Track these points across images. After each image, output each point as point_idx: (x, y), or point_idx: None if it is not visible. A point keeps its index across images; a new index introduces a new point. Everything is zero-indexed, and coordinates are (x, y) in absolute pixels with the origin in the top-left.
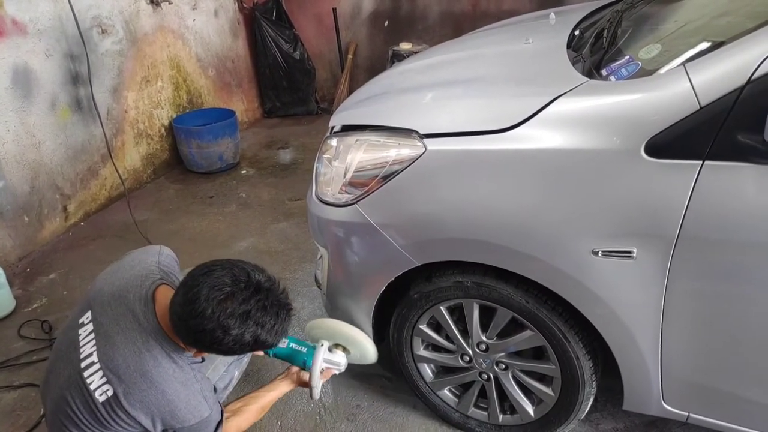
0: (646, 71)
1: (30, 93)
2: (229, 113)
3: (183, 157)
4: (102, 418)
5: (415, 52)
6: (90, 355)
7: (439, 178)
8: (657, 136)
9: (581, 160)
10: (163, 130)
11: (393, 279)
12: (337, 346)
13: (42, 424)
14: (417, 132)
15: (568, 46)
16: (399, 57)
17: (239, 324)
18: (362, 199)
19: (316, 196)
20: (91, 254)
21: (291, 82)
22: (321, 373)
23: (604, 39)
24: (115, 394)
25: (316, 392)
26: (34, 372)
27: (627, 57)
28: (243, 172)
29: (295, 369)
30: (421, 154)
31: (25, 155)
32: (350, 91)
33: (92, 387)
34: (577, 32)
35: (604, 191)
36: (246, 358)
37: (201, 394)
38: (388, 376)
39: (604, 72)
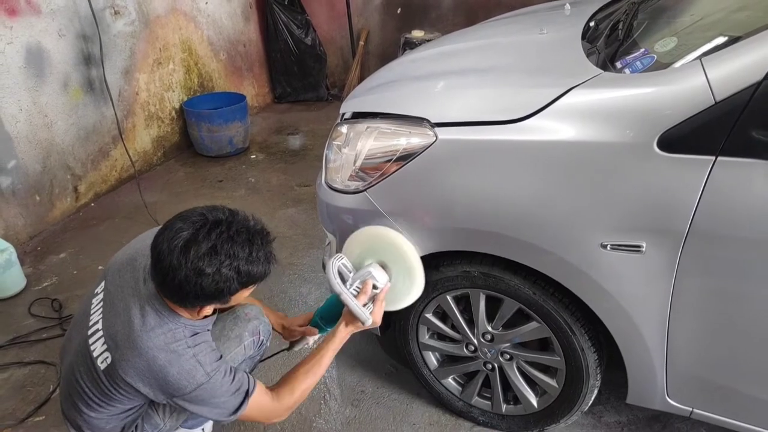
0: (662, 64)
1: (43, 73)
2: (240, 97)
3: (193, 140)
4: (105, 387)
5: (428, 40)
6: (96, 323)
7: (449, 168)
8: (670, 130)
9: (593, 152)
10: (173, 113)
11: None
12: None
13: (52, 400)
14: (428, 121)
15: (583, 38)
16: (411, 45)
17: (210, 261)
18: (372, 186)
19: (326, 182)
20: (101, 235)
21: (302, 67)
22: (358, 295)
23: (620, 31)
24: (113, 362)
25: (366, 318)
26: (44, 349)
27: (642, 50)
28: (252, 156)
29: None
30: (432, 143)
31: (37, 135)
32: (361, 78)
33: (95, 354)
34: (592, 23)
35: (615, 184)
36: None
37: (195, 358)
38: (393, 363)
39: (618, 64)
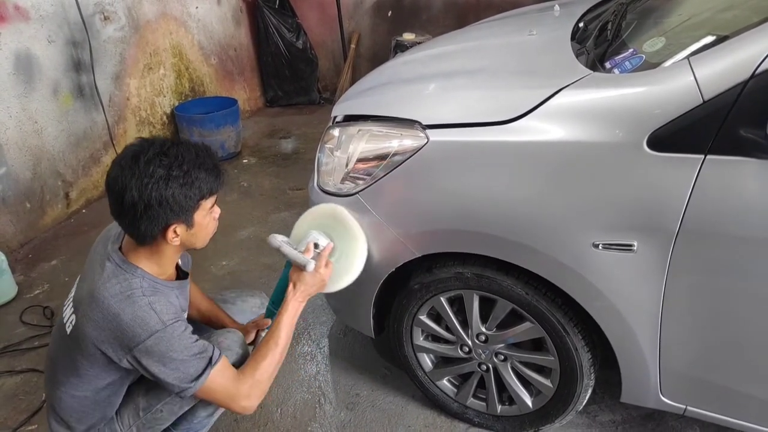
0: (650, 64)
1: (32, 79)
2: (231, 102)
3: None
4: (72, 353)
5: (419, 43)
6: (71, 294)
7: (441, 169)
8: (660, 129)
9: (584, 152)
10: (165, 118)
11: (394, 270)
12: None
13: (44, 409)
14: (419, 123)
15: (572, 39)
16: (402, 47)
17: (160, 163)
18: (364, 189)
19: (318, 185)
20: (92, 241)
21: (293, 71)
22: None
23: (609, 31)
24: (76, 321)
25: (306, 261)
26: (35, 357)
27: (631, 50)
28: (245, 161)
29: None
30: (424, 145)
31: (27, 141)
32: (352, 82)
33: (64, 320)
34: (581, 24)
35: (605, 184)
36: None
37: (150, 306)
38: (387, 366)
39: (607, 65)
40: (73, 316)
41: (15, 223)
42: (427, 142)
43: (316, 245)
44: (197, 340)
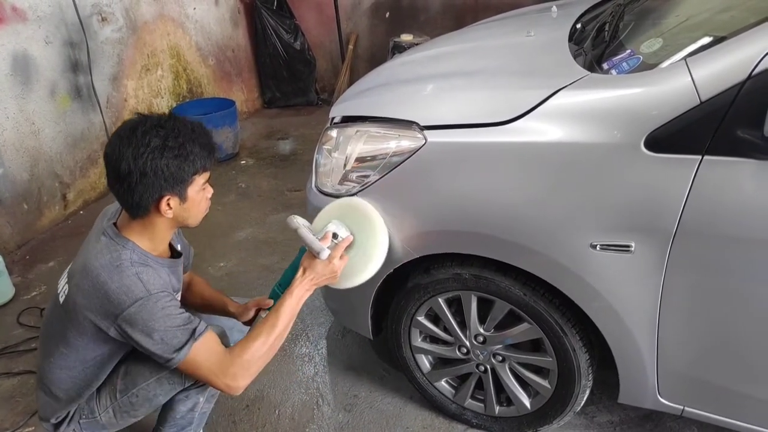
0: (648, 65)
1: (29, 80)
2: (229, 103)
3: None
4: (64, 322)
5: (417, 44)
6: (67, 269)
7: (439, 170)
8: (657, 130)
9: (581, 153)
10: None
11: (392, 270)
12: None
13: None
14: (417, 123)
15: (570, 40)
16: (400, 48)
17: (156, 134)
18: (362, 190)
19: (316, 186)
20: None
21: (291, 72)
22: (322, 239)
23: (606, 32)
24: (69, 291)
25: (320, 248)
26: (32, 359)
27: (628, 51)
28: (242, 162)
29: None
30: (422, 146)
31: (24, 142)
32: (350, 83)
33: (59, 291)
34: (578, 25)
35: (603, 185)
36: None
37: (137, 276)
38: (385, 367)
39: (605, 66)
40: (66, 287)
41: (12, 224)
42: (425, 143)
43: (335, 235)
44: (183, 313)
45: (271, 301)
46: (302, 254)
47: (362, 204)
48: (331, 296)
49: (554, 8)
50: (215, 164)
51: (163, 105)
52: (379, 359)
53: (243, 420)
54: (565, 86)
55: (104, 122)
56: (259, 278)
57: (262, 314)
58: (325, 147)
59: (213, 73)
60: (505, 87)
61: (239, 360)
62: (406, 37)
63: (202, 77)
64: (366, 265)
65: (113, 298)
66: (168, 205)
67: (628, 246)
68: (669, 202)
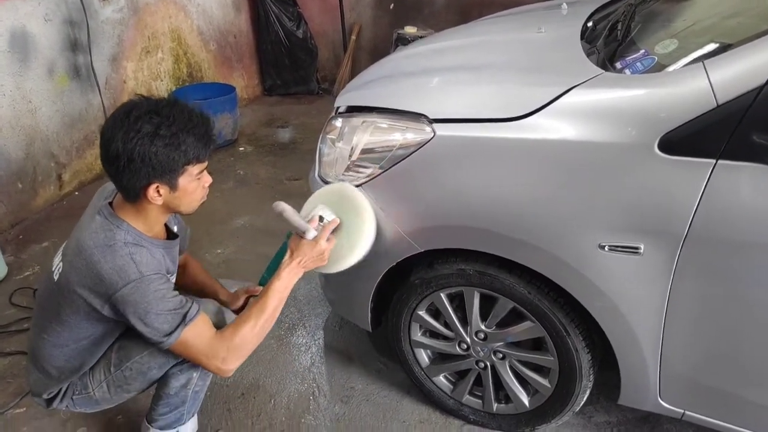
0: (662, 66)
1: (27, 57)
2: (230, 89)
3: None
4: (57, 300)
5: (421, 37)
6: (62, 246)
7: (446, 165)
8: (672, 132)
9: (593, 152)
10: None
11: (394, 264)
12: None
13: None
14: (426, 116)
15: (582, 37)
16: (403, 41)
17: (149, 120)
18: (367, 182)
19: (319, 176)
20: None
21: (293, 60)
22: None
23: (619, 31)
24: (62, 269)
25: (306, 227)
26: (24, 340)
27: (642, 51)
28: (241, 149)
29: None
30: (430, 139)
31: (20, 121)
32: (352, 73)
33: (53, 268)
34: (590, 24)
35: (614, 185)
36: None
37: (130, 257)
38: (383, 360)
39: (618, 65)
40: (60, 264)
41: (6, 203)
42: (433, 136)
43: (321, 219)
44: (175, 296)
45: (260, 288)
46: (288, 239)
47: (349, 189)
48: (329, 287)
49: (564, 6)
50: (213, 150)
51: (162, 88)
52: (376, 352)
53: (238, 408)
54: (579, 84)
55: (102, 103)
56: (257, 267)
57: (251, 301)
58: (329, 136)
59: (214, 58)
60: (517, 83)
61: (229, 344)
62: (410, 30)
63: (203, 62)
64: (353, 248)
65: (106, 279)
66: (157, 192)
67: (636, 248)
68: (680, 205)
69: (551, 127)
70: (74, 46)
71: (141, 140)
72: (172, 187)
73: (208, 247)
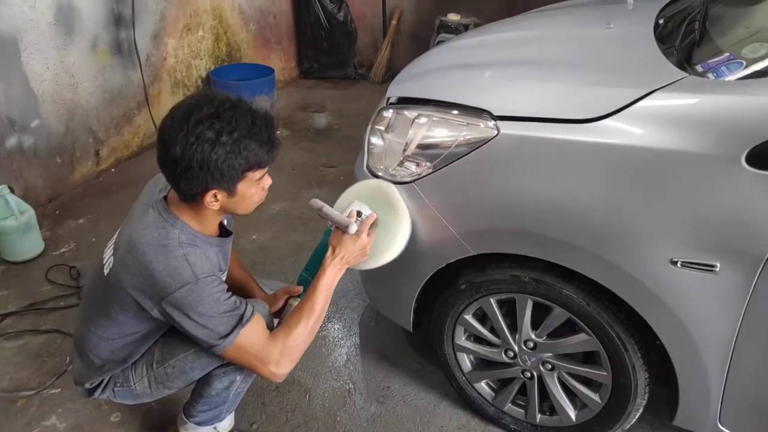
0: (751, 72)
1: (72, 31)
2: (269, 70)
3: None
4: (106, 295)
5: (464, 24)
6: (114, 237)
7: (510, 165)
8: (762, 145)
9: (673, 162)
10: (199, 81)
11: (444, 265)
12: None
13: (68, 373)
14: (489, 113)
15: (654, 35)
16: (446, 28)
17: (210, 125)
18: (421, 178)
19: (368, 168)
20: (120, 203)
21: (331, 43)
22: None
23: (696, 31)
24: (113, 265)
25: (348, 222)
26: (60, 318)
27: (727, 54)
28: (277, 132)
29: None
30: (493, 138)
31: (62, 95)
32: (391, 59)
33: (104, 262)
34: (661, 21)
35: (693, 198)
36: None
37: (184, 258)
38: (419, 360)
39: (699, 67)
40: (111, 259)
41: (45, 177)
42: (497, 134)
43: (359, 214)
44: (230, 297)
45: (300, 288)
46: (327, 236)
47: (384, 185)
48: (371, 284)
49: (630, 0)
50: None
51: (201, 67)
52: (412, 350)
53: (273, 402)
54: (662, 87)
55: (143, 80)
56: (291, 255)
57: (292, 302)
58: (378, 127)
59: (253, 38)
60: (591, 81)
61: (282, 346)
62: (453, 17)
63: (242, 42)
64: (392, 243)
65: (159, 280)
66: (214, 197)
67: (712, 266)
68: (764, 224)
69: (628, 132)
70: (118, 20)
71: (201, 147)
72: (231, 193)
73: (242, 233)
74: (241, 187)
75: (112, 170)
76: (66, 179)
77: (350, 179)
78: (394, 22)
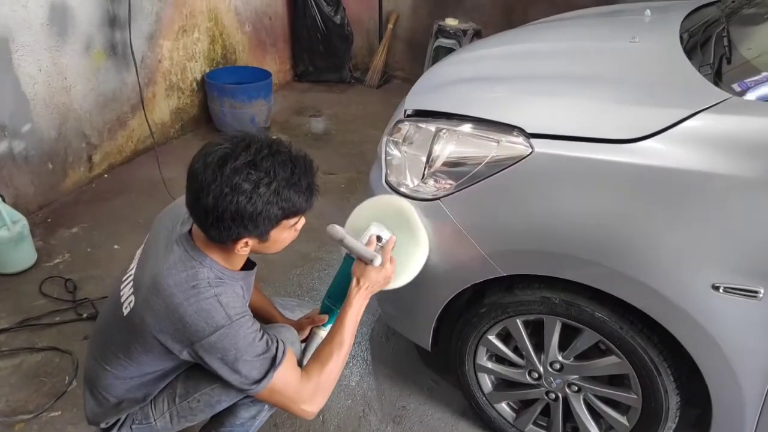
0: None
1: (65, 32)
2: (265, 74)
3: (213, 115)
4: (126, 335)
5: (463, 30)
6: (131, 270)
7: (544, 185)
8: None
9: (716, 185)
10: (194, 84)
11: (469, 286)
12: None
13: (68, 393)
14: (522, 130)
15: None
16: (444, 33)
17: (247, 176)
18: (447, 195)
19: (387, 183)
20: (115, 210)
21: (327, 46)
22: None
23: (726, 47)
24: (134, 304)
25: (372, 255)
26: (57, 335)
27: (765, 74)
28: (274, 137)
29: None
30: (526, 156)
31: (54, 98)
32: (386, 63)
33: (122, 299)
34: (685, 34)
35: (738, 221)
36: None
37: (216, 298)
38: (433, 377)
39: (736, 87)
40: (132, 297)
41: (36, 184)
42: (531, 152)
43: (379, 238)
44: (263, 336)
45: (325, 317)
46: (348, 263)
47: (397, 200)
48: (389, 303)
49: (648, 12)
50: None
51: (196, 69)
52: (425, 367)
53: (285, 424)
54: (706, 108)
55: (138, 83)
56: (296, 266)
57: (317, 330)
58: (394, 139)
59: (249, 40)
60: (629, 100)
61: (315, 384)
62: (451, 22)
63: (238, 44)
64: (406, 267)
65: (190, 324)
66: (246, 244)
67: (755, 292)
68: None
69: (669, 154)
70: (113, 21)
71: (235, 197)
72: (263, 239)
73: None
74: (275, 233)
75: (105, 176)
76: (58, 186)
77: (351, 187)
78: (390, 26)
